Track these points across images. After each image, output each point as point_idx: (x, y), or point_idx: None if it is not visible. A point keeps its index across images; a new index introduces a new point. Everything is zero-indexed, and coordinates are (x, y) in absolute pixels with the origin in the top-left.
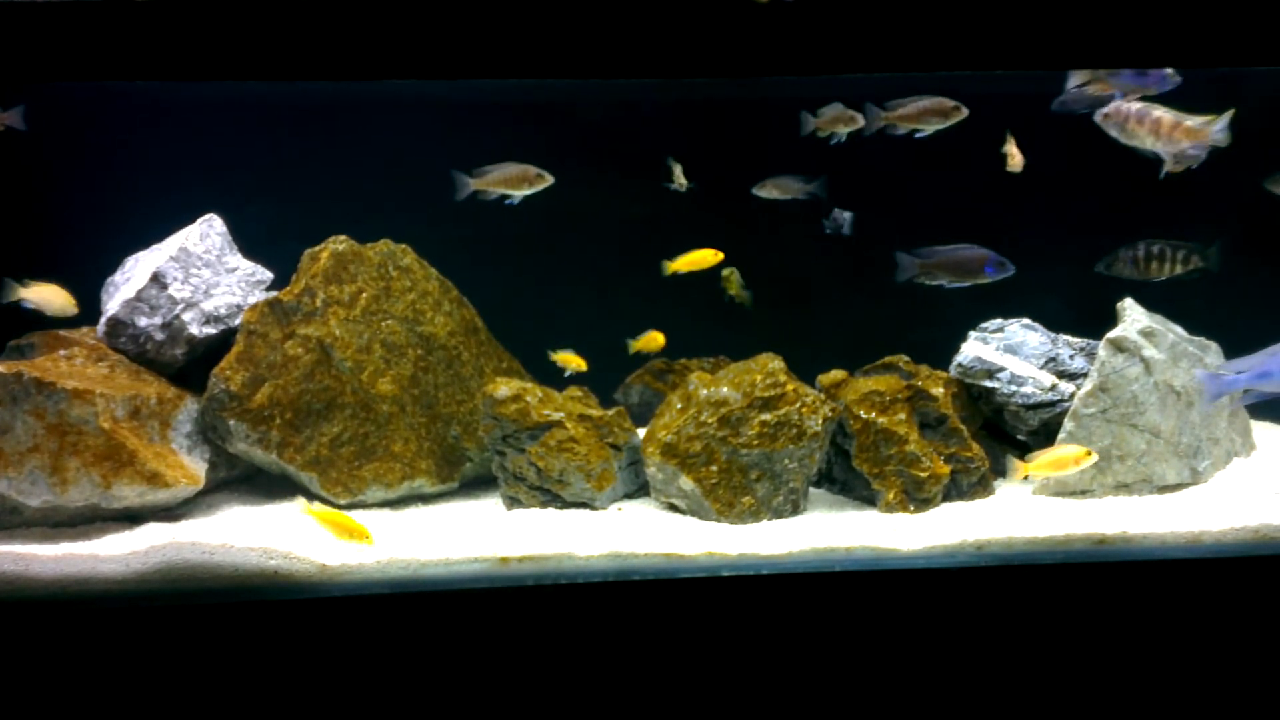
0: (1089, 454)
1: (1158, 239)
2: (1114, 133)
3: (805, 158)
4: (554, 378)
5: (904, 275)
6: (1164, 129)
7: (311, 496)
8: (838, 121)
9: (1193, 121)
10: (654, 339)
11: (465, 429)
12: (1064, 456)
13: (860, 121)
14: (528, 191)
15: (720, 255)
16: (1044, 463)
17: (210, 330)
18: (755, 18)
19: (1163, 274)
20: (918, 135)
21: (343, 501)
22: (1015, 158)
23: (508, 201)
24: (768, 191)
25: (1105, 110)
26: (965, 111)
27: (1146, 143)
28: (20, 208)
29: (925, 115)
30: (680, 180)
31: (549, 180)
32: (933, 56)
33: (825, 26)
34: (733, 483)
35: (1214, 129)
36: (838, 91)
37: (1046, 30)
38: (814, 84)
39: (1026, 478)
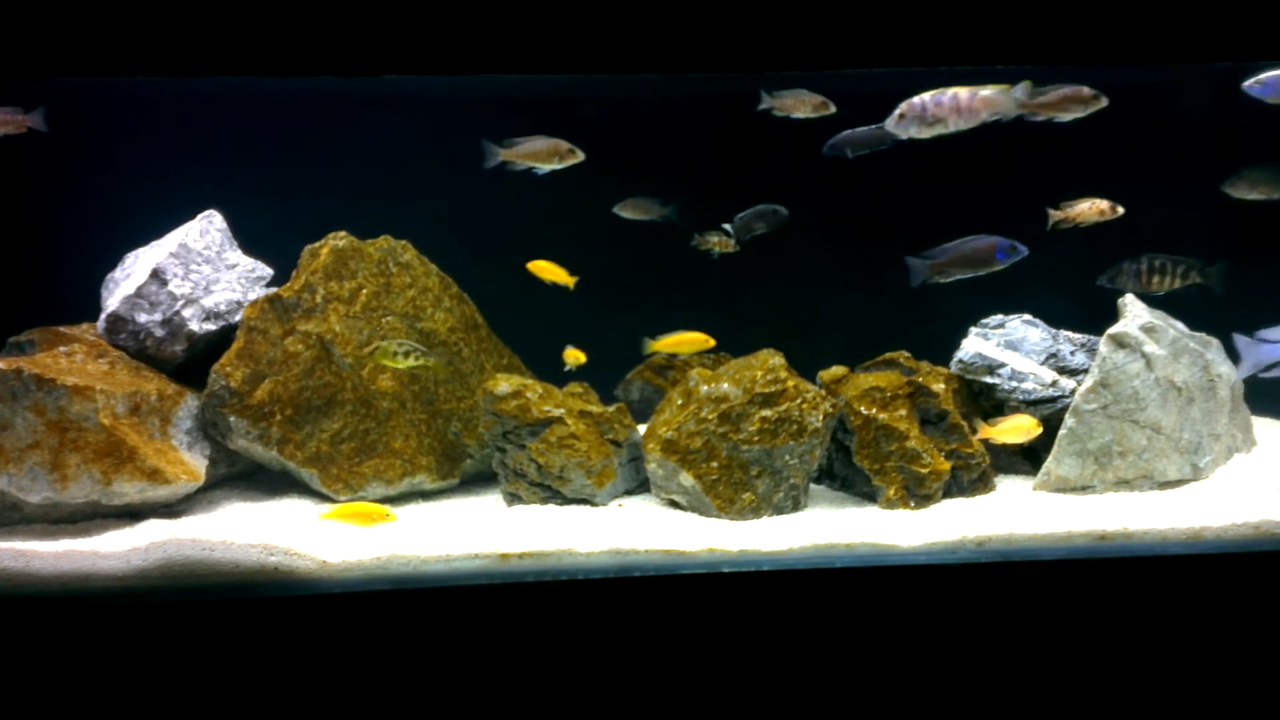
0: (1038, 425)
1: (1159, 254)
2: (913, 131)
3: (806, 155)
4: (554, 374)
5: (917, 280)
6: (963, 104)
7: (312, 493)
8: (799, 105)
9: (988, 91)
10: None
11: (465, 425)
12: (1019, 425)
13: (830, 109)
14: (556, 166)
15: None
16: (1005, 428)
17: (210, 326)
18: (755, 14)
19: (1164, 288)
20: (1056, 121)
21: (343, 498)
22: (1082, 211)
23: (535, 173)
24: (629, 211)
25: (899, 111)
26: (1105, 101)
27: (950, 125)
28: (21, 204)
29: (1065, 103)
30: (725, 245)
31: (579, 157)
32: (934, 52)
33: (824, 23)
34: (733, 479)
35: (1014, 92)
36: (843, 87)
37: (1046, 26)
38: (820, 80)
39: (986, 440)
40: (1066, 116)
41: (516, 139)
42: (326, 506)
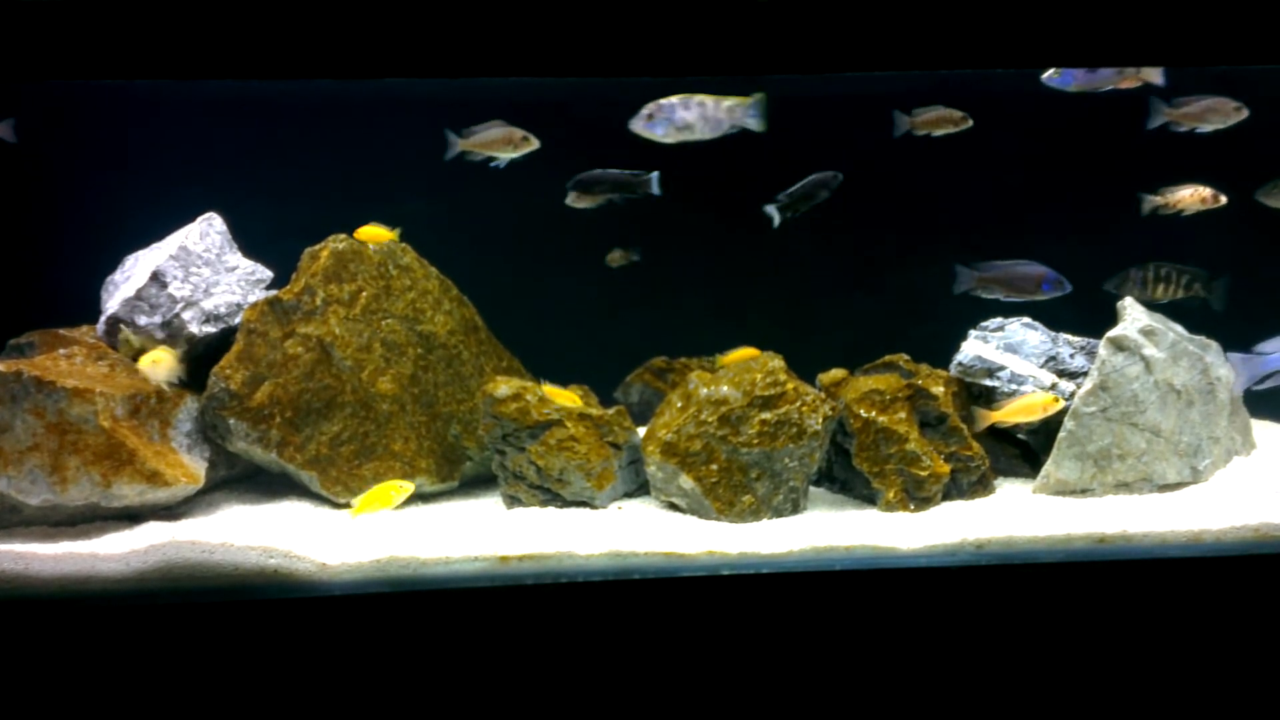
0: (1056, 400)
1: (1166, 262)
2: (660, 133)
3: (805, 157)
4: (554, 376)
5: (961, 287)
6: (709, 113)
7: (312, 495)
8: (941, 122)
9: (730, 102)
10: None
11: (465, 428)
12: (1032, 403)
13: (969, 123)
14: (514, 155)
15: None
16: (1012, 409)
17: (210, 329)
18: (755, 16)
19: (1167, 297)
20: (1198, 131)
21: (342, 500)
22: (1183, 198)
23: (493, 164)
24: (583, 201)
25: (647, 111)
26: (1246, 112)
27: (696, 131)
28: (21, 206)
29: (1207, 114)
30: (622, 258)
31: (534, 144)
32: (933, 55)
33: (825, 25)
34: (733, 481)
35: (745, 111)
36: (841, 89)
37: (1047, 29)
38: (813, 82)
39: (992, 426)
40: (1208, 127)
41: (474, 128)
42: (326, 509)
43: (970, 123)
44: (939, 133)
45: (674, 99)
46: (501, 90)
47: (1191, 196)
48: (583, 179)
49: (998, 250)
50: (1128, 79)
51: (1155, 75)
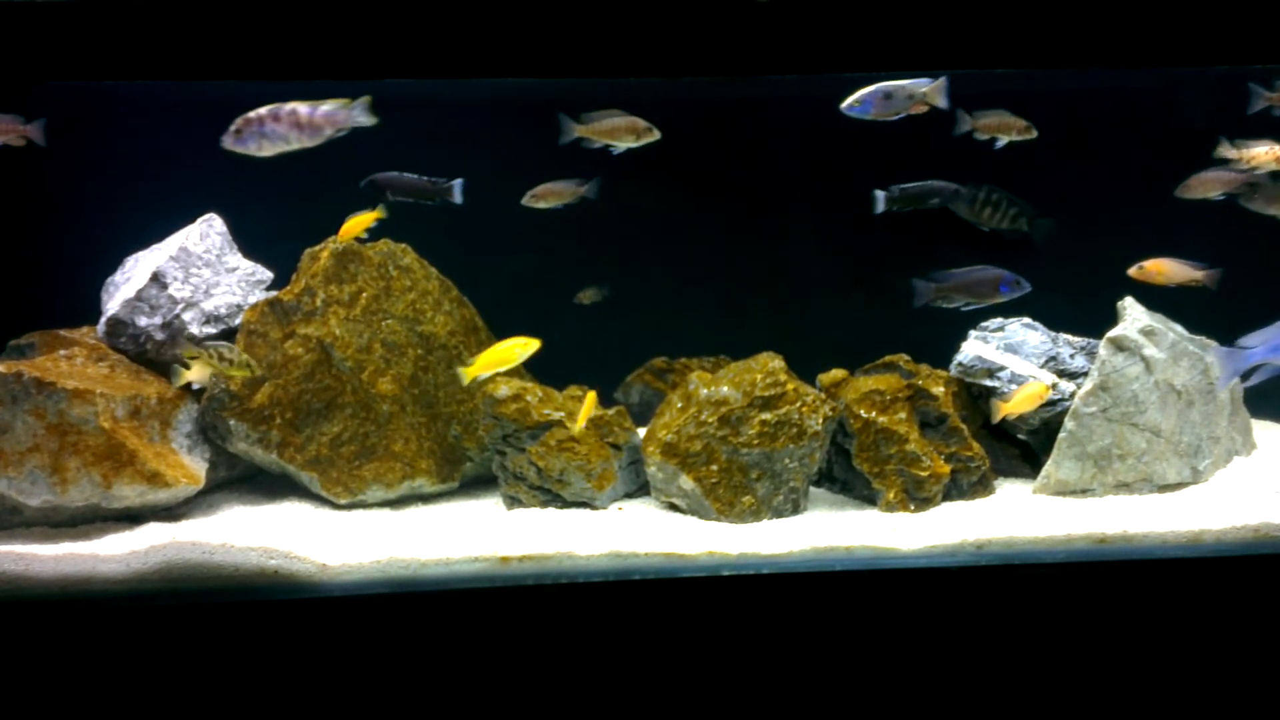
0: (1047, 389)
1: (999, 189)
2: (254, 148)
3: (806, 157)
4: (554, 377)
5: (920, 301)
6: (303, 119)
7: (312, 496)
8: (1004, 127)
9: (329, 106)
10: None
11: (465, 428)
12: (1032, 392)
13: (1033, 133)
14: (632, 144)
15: None
16: (1018, 401)
17: (210, 330)
18: (755, 17)
19: (991, 223)
20: None
21: (343, 501)
22: (1257, 155)
23: (611, 151)
24: (543, 201)
25: (235, 126)
26: None
27: (293, 141)
28: (21, 207)
29: None
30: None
31: (656, 135)
32: (934, 55)
33: (824, 26)
34: (733, 482)
35: (351, 113)
36: (838, 89)
37: (1047, 29)
38: (810, 82)
39: (1005, 418)
40: None
41: (595, 114)
42: (326, 510)
43: (1034, 133)
44: (1002, 139)
45: (262, 110)
46: (502, 89)
47: (1267, 154)
48: (375, 180)
49: (998, 250)
50: (916, 104)
51: (940, 99)
